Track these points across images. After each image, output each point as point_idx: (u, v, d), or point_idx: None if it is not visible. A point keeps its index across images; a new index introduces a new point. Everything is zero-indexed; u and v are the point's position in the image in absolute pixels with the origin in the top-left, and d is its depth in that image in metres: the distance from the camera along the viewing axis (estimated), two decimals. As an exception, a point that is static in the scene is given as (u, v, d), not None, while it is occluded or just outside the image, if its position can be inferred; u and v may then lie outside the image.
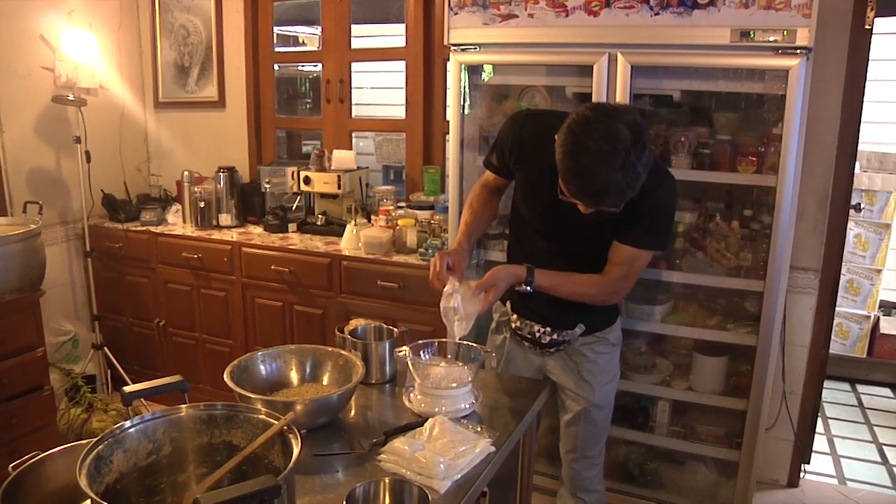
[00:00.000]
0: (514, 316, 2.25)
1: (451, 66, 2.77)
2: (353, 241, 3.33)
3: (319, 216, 3.68)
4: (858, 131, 2.86)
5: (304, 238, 3.59)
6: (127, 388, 1.55)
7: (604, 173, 1.68)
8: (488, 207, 2.25)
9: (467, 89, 2.80)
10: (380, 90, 5.32)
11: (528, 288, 1.96)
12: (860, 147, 2.98)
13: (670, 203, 2.00)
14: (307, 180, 3.60)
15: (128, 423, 1.34)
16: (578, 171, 1.71)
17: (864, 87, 2.82)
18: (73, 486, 1.53)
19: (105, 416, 3.51)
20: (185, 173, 3.88)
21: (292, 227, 3.71)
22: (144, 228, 3.87)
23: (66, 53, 3.71)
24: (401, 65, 3.72)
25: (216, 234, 3.71)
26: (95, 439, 1.28)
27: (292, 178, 3.69)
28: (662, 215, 1.98)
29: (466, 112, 2.82)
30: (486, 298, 1.88)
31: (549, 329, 2.18)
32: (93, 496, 1.13)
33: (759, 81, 2.46)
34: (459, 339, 1.89)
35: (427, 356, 1.90)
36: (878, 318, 4.39)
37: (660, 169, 1.97)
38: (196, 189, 3.82)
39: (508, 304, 2.27)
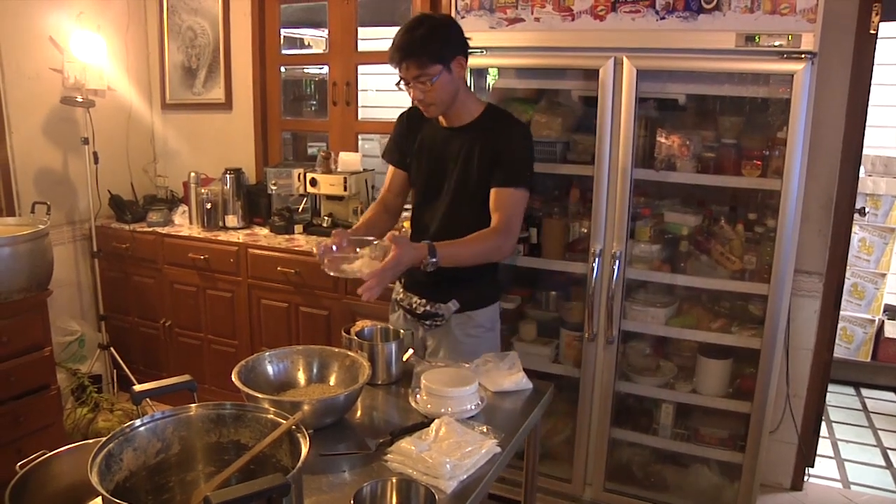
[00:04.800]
0: (401, 289, 2.41)
1: (458, 69, 2.78)
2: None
3: (325, 218, 3.70)
4: (863, 135, 2.87)
5: (310, 239, 3.60)
6: (137, 387, 1.56)
7: (408, 29, 2.09)
8: (380, 218, 2.40)
9: (475, 91, 2.81)
10: (386, 92, 5.33)
11: (434, 259, 1.98)
12: (865, 151, 2.99)
13: (530, 140, 2.24)
14: (313, 182, 3.61)
15: (138, 422, 1.35)
16: (395, 39, 2.11)
17: (869, 91, 2.83)
18: (79, 485, 1.55)
19: (111, 415, 3.53)
20: (192, 174, 3.90)
21: (298, 228, 3.72)
22: (151, 229, 3.89)
23: (74, 55, 3.74)
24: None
25: (222, 236, 3.72)
26: (106, 437, 1.29)
27: (298, 180, 3.71)
28: (526, 151, 2.21)
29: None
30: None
31: (424, 301, 2.30)
32: (104, 493, 1.14)
33: (764, 85, 2.47)
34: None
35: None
36: (883, 321, 4.39)
37: (513, 116, 2.29)
38: (202, 190, 3.84)
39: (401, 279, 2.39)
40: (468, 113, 2.23)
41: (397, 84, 2.20)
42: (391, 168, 2.44)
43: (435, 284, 2.25)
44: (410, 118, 2.36)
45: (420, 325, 2.36)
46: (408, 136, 2.36)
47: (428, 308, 2.31)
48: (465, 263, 2.10)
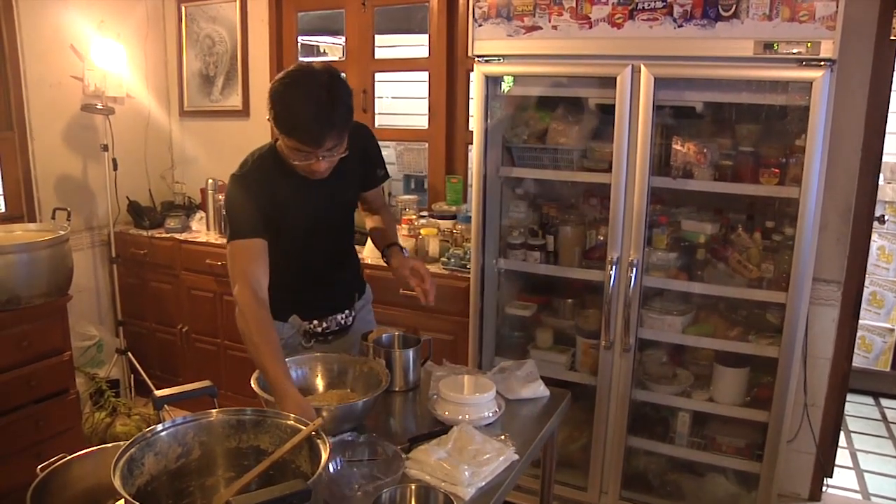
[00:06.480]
0: (315, 322, 2.18)
1: (475, 77, 2.79)
2: (375, 249, 3.35)
3: (341, 224, 3.70)
4: (882, 142, 2.85)
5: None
6: (158, 392, 1.57)
7: (321, 103, 1.82)
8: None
9: (490, 99, 2.81)
10: (402, 100, 5.36)
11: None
12: (884, 158, 2.96)
13: (374, 137, 2.27)
14: (329, 189, 3.61)
15: (159, 427, 1.37)
16: (303, 115, 1.85)
17: (889, 97, 2.81)
18: (98, 489, 1.56)
19: (128, 420, 3.56)
20: (209, 181, 3.93)
21: (314, 234, 3.73)
22: (169, 235, 3.93)
23: (94, 63, 3.79)
24: (424, 75, 3.75)
25: (239, 242, 3.73)
26: (128, 442, 1.31)
27: (315, 187, 3.71)
28: (377, 143, 2.28)
29: (489, 122, 2.84)
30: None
31: (347, 311, 2.26)
32: (126, 497, 1.15)
33: (783, 93, 2.46)
34: None
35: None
36: (902, 331, 4.34)
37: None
38: (220, 197, 3.86)
39: (295, 317, 2.16)
40: None
41: (292, 160, 1.95)
42: (255, 242, 1.99)
43: (343, 293, 2.28)
44: (259, 187, 2.05)
45: (343, 333, 2.24)
46: (267, 204, 2.04)
47: (353, 313, 2.28)
48: None
